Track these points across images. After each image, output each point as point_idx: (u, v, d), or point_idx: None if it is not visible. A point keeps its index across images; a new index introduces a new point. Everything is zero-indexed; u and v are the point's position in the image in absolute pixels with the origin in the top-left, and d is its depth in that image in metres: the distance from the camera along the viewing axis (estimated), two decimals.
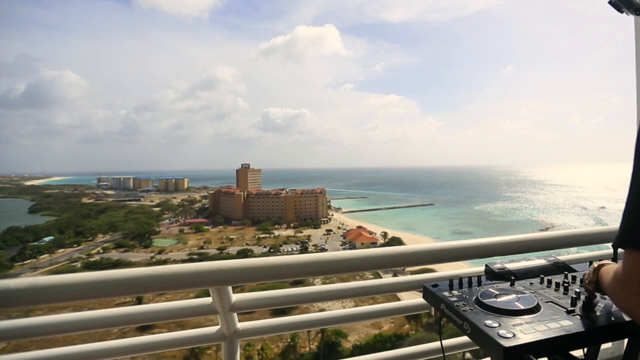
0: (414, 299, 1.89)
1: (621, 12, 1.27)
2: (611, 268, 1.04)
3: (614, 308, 1.12)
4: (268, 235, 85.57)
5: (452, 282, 1.38)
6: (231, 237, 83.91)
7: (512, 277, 1.40)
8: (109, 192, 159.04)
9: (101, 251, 76.09)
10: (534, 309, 1.15)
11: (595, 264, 1.12)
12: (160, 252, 74.03)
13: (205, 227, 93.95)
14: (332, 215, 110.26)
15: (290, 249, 74.10)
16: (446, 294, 1.31)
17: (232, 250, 73.81)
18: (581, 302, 1.16)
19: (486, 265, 1.55)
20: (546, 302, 1.21)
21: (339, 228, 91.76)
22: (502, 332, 1.02)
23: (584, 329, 1.05)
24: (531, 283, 1.39)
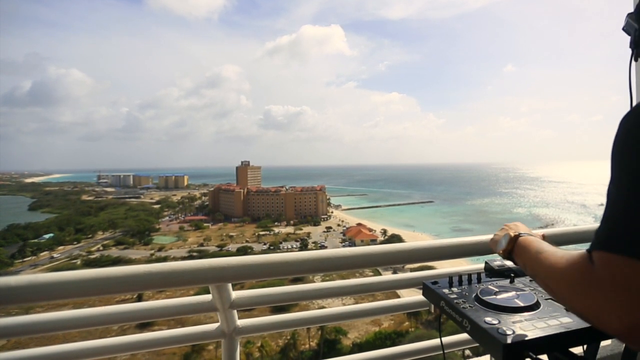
0: (413, 296, 1.90)
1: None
2: (536, 243, 1.03)
3: None
4: (268, 232, 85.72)
5: (452, 280, 1.38)
6: (231, 234, 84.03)
7: (512, 274, 1.40)
8: (108, 189, 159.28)
9: (101, 248, 76.21)
10: (534, 306, 1.15)
11: (512, 233, 1.12)
12: (160, 250, 74.14)
13: (205, 224, 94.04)
14: (332, 212, 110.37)
15: (290, 246, 74.27)
16: (446, 291, 1.30)
17: (232, 247, 73.98)
18: None
19: (486, 263, 1.54)
20: (546, 299, 1.21)
21: (338, 225, 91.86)
22: (501, 329, 1.01)
23: (583, 326, 1.05)
24: (531, 280, 1.38)
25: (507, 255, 1.13)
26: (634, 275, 0.70)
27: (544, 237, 1.17)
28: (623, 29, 1.34)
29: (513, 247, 1.11)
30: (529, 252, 1.03)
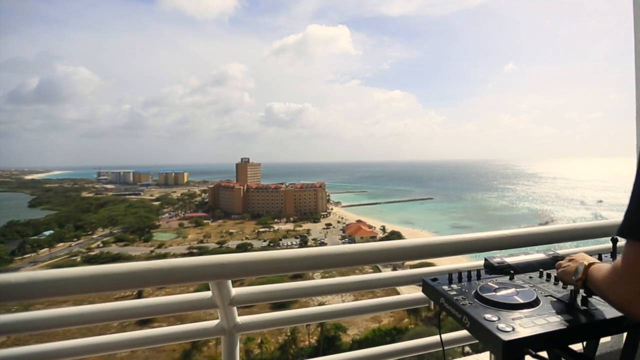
0: (413, 292, 1.90)
1: None
2: (603, 266, 1.06)
3: None
4: (267, 229, 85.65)
5: (452, 276, 1.38)
6: (231, 231, 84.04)
7: (511, 271, 1.40)
8: (109, 186, 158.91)
9: (101, 245, 76.17)
10: (533, 303, 1.15)
11: (586, 262, 1.13)
12: (160, 246, 74.16)
13: (205, 221, 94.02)
14: (332, 209, 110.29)
15: (289, 243, 74.24)
16: (445, 287, 1.31)
17: (232, 244, 73.97)
18: (580, 296, 1.16)
19: (485, 259, 1.55)
20: (545, 296, 1.21)
21: (338, 222, 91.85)
22: (501, 326, 1.02)
23: (583, 323, 1.05)
24: (530, 277, 1.39)
25: (582, 284, 1.13)
26: None
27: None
28: None
29: (586, 276, 1.11)
30: (597, 276, 1.06)
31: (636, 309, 0.80)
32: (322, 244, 70.95)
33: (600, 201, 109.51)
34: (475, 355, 2.25)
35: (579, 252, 1.31)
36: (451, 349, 1.90)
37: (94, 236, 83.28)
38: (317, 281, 1.76)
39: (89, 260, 63.57)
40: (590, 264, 1.12)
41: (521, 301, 1.15)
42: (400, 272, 1.85)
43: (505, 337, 0.97)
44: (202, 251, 65.78)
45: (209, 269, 1.42)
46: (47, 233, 78.25)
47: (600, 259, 1.40)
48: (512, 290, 1.23)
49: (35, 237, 75.46)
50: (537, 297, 1.18)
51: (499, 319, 1.06)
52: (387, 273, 1.91)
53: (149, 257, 61.64)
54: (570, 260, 1.23)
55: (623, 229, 0.83)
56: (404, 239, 1.92)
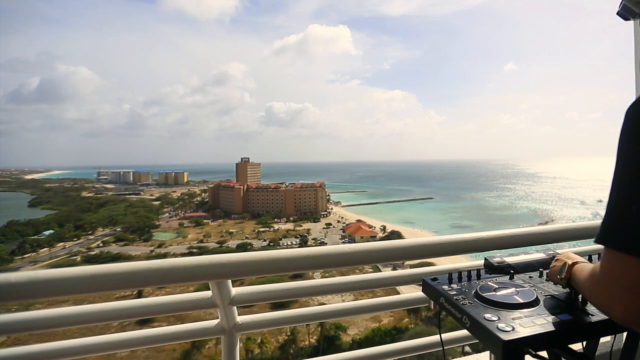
0: (413, 292, 1.90)
1: (628, 20, 1.33)
2: (585, 267, 1.07)
3: None
4: (267, 229, 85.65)
5: (452, 276, 1.38)
6: (231, 230, 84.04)
7: (511, 271, 1.40)
8: (108, 185, 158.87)
9: (101, 245, 76.16)
10: (533, 303, 1.15)
11: (570, 261, 1.14)
12: (160, 246, 74.12)
13: (205, 220, 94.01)
14: (332, 209, 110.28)
15: (289, 243, 74.27)
16: (445, 287, 1.31)
17: (232, 243, 73.96)
18: (580, 296, 1.16)
19: (485, 259, 1.55)
20: (545, 295, 1.21)
21: (338, 222, 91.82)
22: (501, 325, 1.02)
23: (583, 323, 1.05)
24: (530, 277, 1.39)
25: (565, 283, 1.15)
26: (620, 267, 0.80)
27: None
28: (618, 13, 1.36)
29: (570, 275, 1.13)
30: (579, 277, 1.08)
31: (614, 313, 0.82)
32: (322, 243, 70.93)
33: (600, 201, 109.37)
34: (475, 355, 2.25)
35: (565, 252, 1.32)
36: (451, 348, 1.90)
37: (94, 236, 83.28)
38: (317, 281, 1.77)
39: (89, 260, 63.54)
40: (574, 263, 1.13)
41: (521, 301, 1.15)
42: (400, 272, 1.85)
43: (505, 337, 0.97)
44: (202, 251, 65.74)
45: (209, 268, 1.42)
46: (47, 233, 78.24)
47: (590, 259, 1.40)
48: (512, 289, 1.23)
49: (35, 237, 75.41)
50: (537, 297, 1.18)
51: (499, 318, 1.06)
52: (387, 273, 1.91)
53: (149, 257, 61.60)
54: (557, 259, 1.24)
55: (599, 236, 0.85)
56: (404, 238, 1.91)
